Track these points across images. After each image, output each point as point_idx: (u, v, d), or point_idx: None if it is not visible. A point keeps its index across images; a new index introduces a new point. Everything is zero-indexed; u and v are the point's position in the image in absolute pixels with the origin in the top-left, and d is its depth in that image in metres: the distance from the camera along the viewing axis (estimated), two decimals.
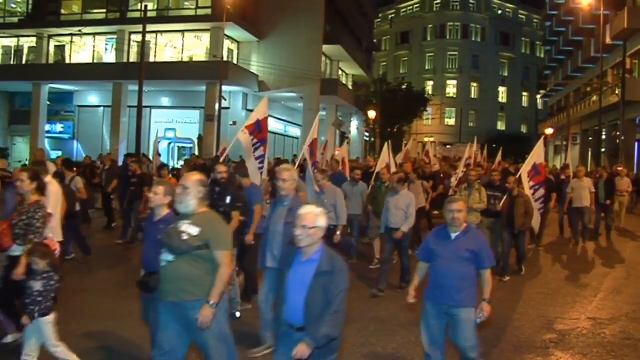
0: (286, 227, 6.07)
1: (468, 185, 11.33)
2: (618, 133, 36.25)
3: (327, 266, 4.22)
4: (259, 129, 11.31)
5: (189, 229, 4.66)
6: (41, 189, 6.33)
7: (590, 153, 43.23)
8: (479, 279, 5.43)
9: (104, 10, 35.58)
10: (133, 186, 13.49)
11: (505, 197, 10.95)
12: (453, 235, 5.46)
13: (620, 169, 18.85)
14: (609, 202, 16.36)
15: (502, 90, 75.21)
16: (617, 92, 35.70)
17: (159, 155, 21.15)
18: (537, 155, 12.20)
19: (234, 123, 33.88)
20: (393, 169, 13.49)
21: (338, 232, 9.17)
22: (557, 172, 20.79)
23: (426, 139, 65.31)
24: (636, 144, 35.99)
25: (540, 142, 12.72)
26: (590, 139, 43.82)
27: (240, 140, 11.21)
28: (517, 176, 11.58)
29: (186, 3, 35.52)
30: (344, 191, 11.57)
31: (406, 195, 9.85)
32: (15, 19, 37.85)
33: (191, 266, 4.64)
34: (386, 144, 14.38)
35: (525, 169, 11.92)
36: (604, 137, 39.29)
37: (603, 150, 39.13)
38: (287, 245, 5.53)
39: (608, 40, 36.83)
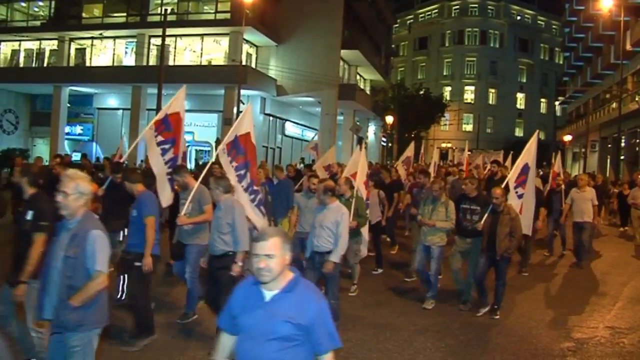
0: (66, 263, 4.32)
1: (432, 198, 9.21)
2: (638, 140, 35.93)
3: None
4: (167, 126, 9.18)
5: None
6: None
7: (609, 161, 42.87)
8: None
9: (125, 14, 35.91)
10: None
11: (487, 214, 8.72)
12: (268, 296, 3.21)
13: None
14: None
15: (520, 96, 74.79)
16: (637, 99, 35.40)
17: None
18: (528, 155, 9.97)
19: None
20: (363, 180, 10.21)
21: (237, 262, 6.82)
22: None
23: (443, 145, 65.48)
24: None
25: (533, 140, 10.22)
26: (609, 146, 43.41)
27: (145, 138, 9.31)
28: (504, 185, 9.24)
29: (205, 7, 35.73)
30: (297, 203, 10.05)
31: (335, 210, 7.58)
32: (38, 23, 38.29)
33: None
34: (361, 146, 11.42)
35: (513, 175, 9.77)
36: (623, 144, 38.91)
37: (622, 158, 38.79)
38: (65, 289, 4.27)
39: (628, 47, 36.53)
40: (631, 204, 16.73)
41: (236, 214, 6.95)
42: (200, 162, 30.02)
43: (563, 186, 14.31)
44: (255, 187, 8.35)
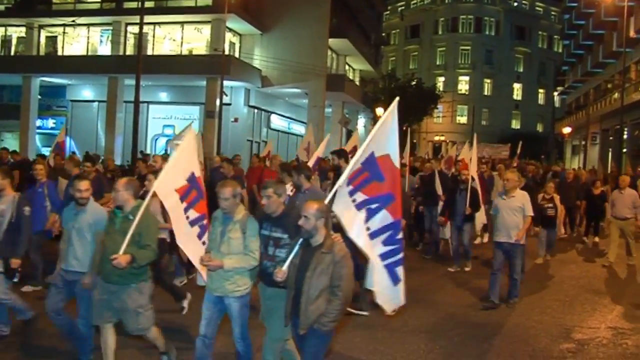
0: None
1: (223, 215, 5.69)
2: None
3: None
4: None
5: None
6: None
7: (610, 154, 43.15)
8: None
9: (99, 0, 35.67)
10: None
11: (296, 248, 5.11)
12: None
13: None
14: (470, 210, 11.59)
15: (517, 86, 74.99)
16: None
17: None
18: (373, 141, 5.65)
19: (236, 120, 33.98)
20: (177, 184, 6.13)
21: None
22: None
23: (437, 138, 65.65)
24: None
25: (389, 112, 5.73)
26: (611, 138, 43.67)
27: None
28: (332, 193, 5.56)
29: None
30: (65, 223, 6.50)
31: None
32: (2, 7, 37.89)
33: None
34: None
35: (348, 172, 5.61)
36: (625, 136, 39.16)
37: (624, 150, 39.04)
38: None
39: (632, 34, 36.74)
40: (610, 216, 13.78)
41: None
42: None
43: (471, 181, 11.71)
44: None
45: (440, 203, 12.80)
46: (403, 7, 78.57)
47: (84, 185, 6.22)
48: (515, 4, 75.73)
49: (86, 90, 37.34)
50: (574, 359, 7.17)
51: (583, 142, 48.57)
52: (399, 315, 8.45)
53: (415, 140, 63.36)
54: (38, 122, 36.62)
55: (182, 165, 6.17)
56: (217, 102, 30.58)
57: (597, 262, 13.51)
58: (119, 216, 5.91)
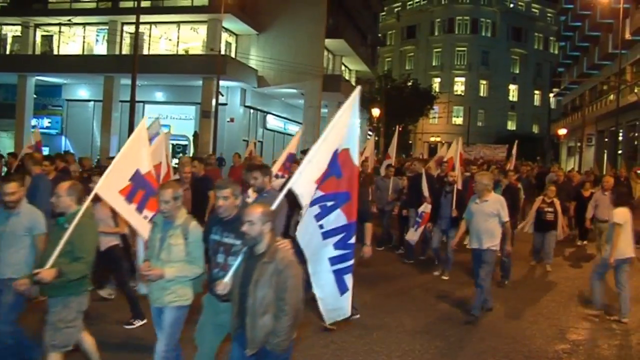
0: None
1: (164, 220, 5.26)
2: (636, 134, 36.17)
3: None
4: None
5: None
6: None
7: (606, 155, 43.25)
8: None
9: None
10: None
11: (240, 258, 4.65)
12: None
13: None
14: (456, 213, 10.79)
15: (512, 88, 75.18)
16: (635, 90, 35.69)
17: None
18: (334, 130, 5.22)
19: (232, 120, 33.96)
20: (120, 185, 6.10)
21: None
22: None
23: (432, 139, 65.75)
24: None
25: (346, 102, 5.41)
26: (606, 140, 43.81)
27: None
28: (285, 192, 5.02)
29: None
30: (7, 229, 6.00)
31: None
32: None
33: None
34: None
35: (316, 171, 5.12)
36: (620, 138, 39.27)
37: (620, 152, 39.12)
38: None
39: (627, 36, 36.85)
40: (590, 217, 13.36)
41: None
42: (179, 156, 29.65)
43: (457, 183, 11.57)
44: None
45: (426, 205, 11.96)
46: (399, 8, 78.74)
47: (11, 187, 5.75)
48: (512, 5, 75.89)
49: (82, 90, 37.28)
50: (569, 359, 7.19)
51: (579, 144, 48.62)
52: (395, 316, 8.50)
53: (410, 141, 63.45)
54: (33, 122, 36.45)
55: (124, 165, 5.89)
56: (213, 102, 30.57)
57: (590, 265, 13.51)
58: (59, 224, 5.42)
